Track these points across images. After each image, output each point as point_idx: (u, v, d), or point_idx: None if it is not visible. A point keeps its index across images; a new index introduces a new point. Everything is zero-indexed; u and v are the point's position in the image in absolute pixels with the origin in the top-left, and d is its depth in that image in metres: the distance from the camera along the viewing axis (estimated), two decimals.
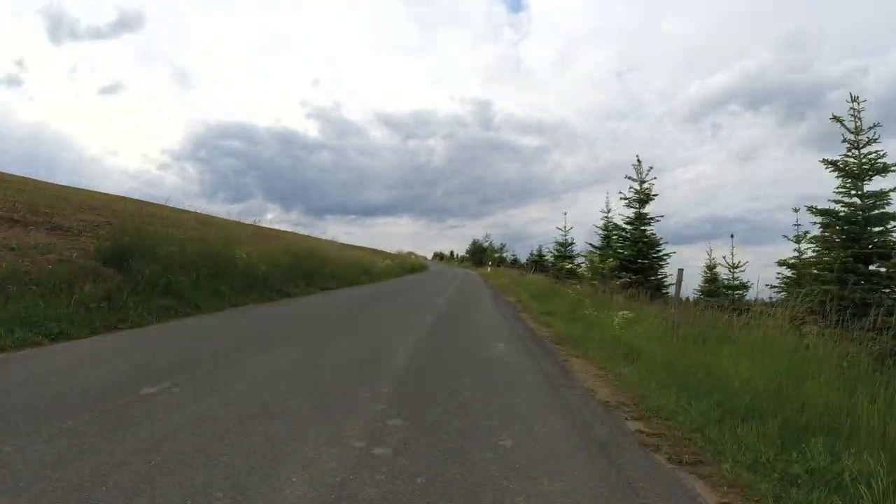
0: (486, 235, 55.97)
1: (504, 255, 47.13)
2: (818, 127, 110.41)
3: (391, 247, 47.23)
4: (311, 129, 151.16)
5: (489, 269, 38.99)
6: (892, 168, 7.62)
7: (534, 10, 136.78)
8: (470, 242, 59.67)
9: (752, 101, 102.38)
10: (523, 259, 37.91)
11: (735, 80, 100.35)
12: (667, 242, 14.31)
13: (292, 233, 23.78)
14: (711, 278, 13.12)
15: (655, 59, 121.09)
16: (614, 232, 16.95)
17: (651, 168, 14.61)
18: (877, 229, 7.68)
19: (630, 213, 15.05)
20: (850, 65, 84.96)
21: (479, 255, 50.45)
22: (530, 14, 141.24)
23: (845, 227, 7.83)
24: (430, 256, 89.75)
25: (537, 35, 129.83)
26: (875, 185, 7.76)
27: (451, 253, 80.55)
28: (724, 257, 12.06)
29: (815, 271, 8.03)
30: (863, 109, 8.00)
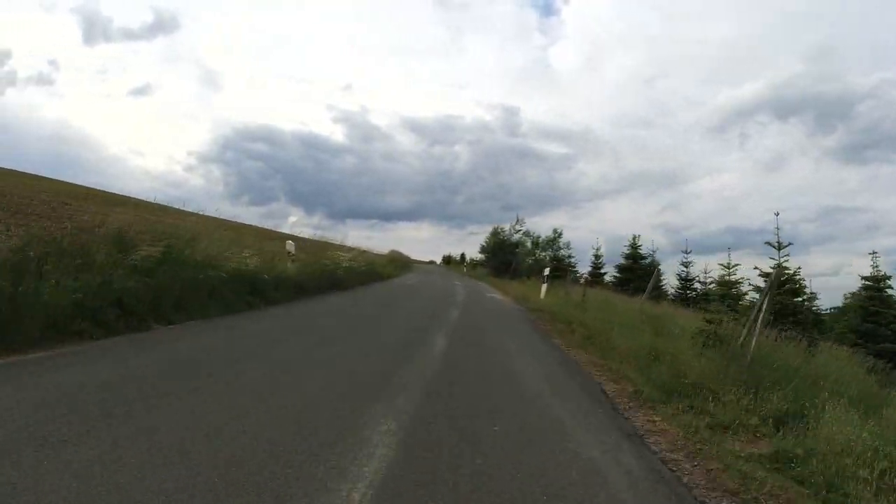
0: (517, 222, 35.57)
1: (566, 258, 30.84)
2: (846, 138, 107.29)
3: (412, 251, 44.43)
4: (336, 134, 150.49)
5: (544, 289, 17.67)
6: None
7: (564, 14, 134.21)
8: (488, 234, 39.00)
9: (781, 111, 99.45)
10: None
11: (764, 89, 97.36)
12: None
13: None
14: None
15: (684, 67, 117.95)
16: None
17: None
18: None
19: None
20: (879, 76, 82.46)
21: (506, 254, 34.67)
22: (561, 18, 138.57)
23: None
24: (438, 261, 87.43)
25: (567, 40, 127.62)
26: None
27: (462, 256, 76.41)
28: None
29: None
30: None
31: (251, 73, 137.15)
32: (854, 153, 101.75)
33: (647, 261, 25.89)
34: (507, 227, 36.13)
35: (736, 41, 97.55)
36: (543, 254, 27.83)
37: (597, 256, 29.41)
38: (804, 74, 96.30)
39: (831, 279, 61.44)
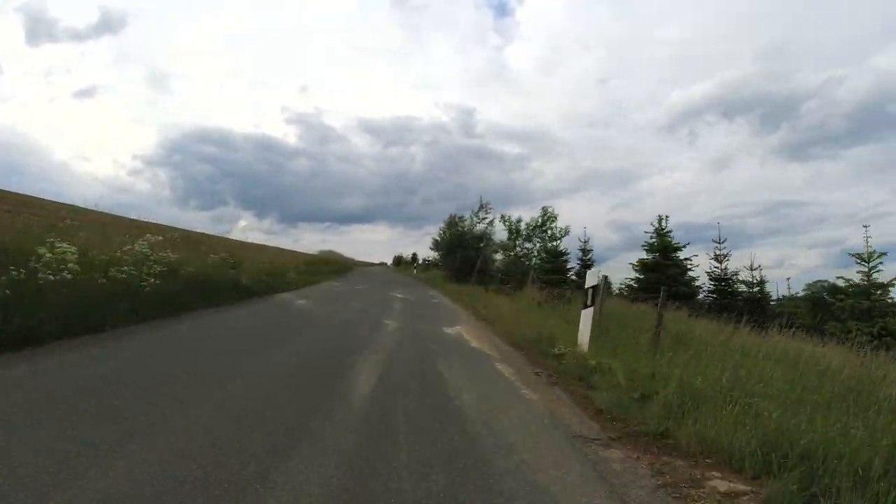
0: (482, 208, 27.18)
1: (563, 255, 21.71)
2: (789, 137, 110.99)
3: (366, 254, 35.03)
4: (290, 136, 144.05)
5: (586, 323, 7.17)
6: None
7: (519, 15, 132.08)
8: (442, 225, 29.34)
9: (728, 110, 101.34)
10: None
11: (714, 89, 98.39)
12: None
13: None
14: None
15: (639, 67, 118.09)
16: None
17: None
18: None
19: None
20: (827, 75, 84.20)
21: (467, 251, 26.02)
22: (516, 19, 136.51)
23: None
24: (389, 262, 79.30)
25: (522, 41, 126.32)
26: None
27: (414, 257, 68.00)
28: None
29: None
30: None
31: (202, 74, 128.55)
32: (798, 151, 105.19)
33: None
34: (467, 215, 27.52)
35: (689, 41, 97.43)
36: (528, 246, 18.77)
37: (584, 251, 21.15)
38: (754, 74, 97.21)
39: (775, 271, 63.89)
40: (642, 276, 17.33)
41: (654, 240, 19.20)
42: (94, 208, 12.99)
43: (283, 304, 10.64)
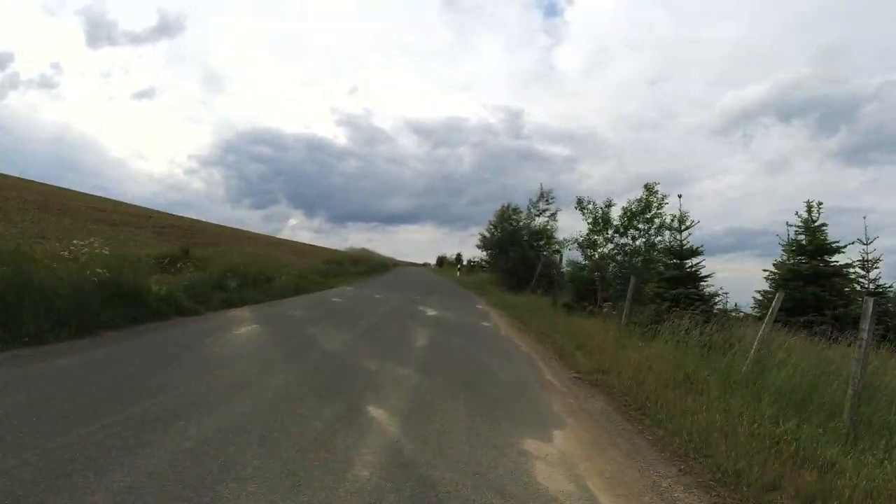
0: (543, 197, 21.25)
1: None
2: (848, 140, 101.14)
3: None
4: (340, 136, 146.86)
5: None
6: None
7: (568, 15, 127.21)
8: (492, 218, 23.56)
9: (784, 112, 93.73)
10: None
11: (770, 90, 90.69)
12: None
13: None
14: None
15: (690, 68, 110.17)
16: None
17: None
18: None
19: None
20: (884, 78, 75.34)
21: (524, 249, 20.56)
22: (565, 19, 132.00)
23: None
24: (433, 262, 74.60)
25: (571, 41, 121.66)
26: None
27: (458, 257, 62.67)
28: None
29: None
30: None
31: (255, 75, 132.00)
32: (857, 155, 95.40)
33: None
34: (522, 206, 21.83)
35: (742, 42, 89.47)
36: (622, 242, 11.53)
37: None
38: (809, 76, 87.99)
39: None
40: (791, 291, 10.96)
41: (801, 236, 12.92)
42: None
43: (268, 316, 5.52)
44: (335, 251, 34.26)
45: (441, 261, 64.00)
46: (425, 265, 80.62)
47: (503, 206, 22.04)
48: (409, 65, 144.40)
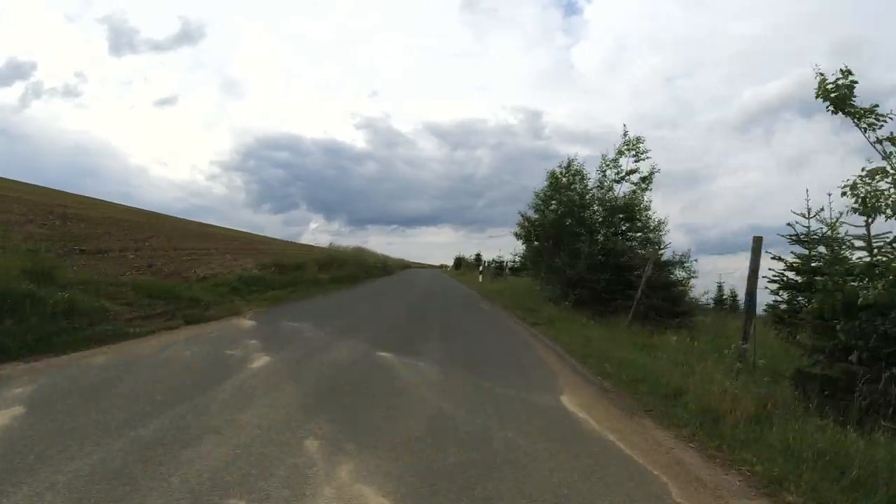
0: (628, 142, 12.05)
1: None
2: (871, 134, 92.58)
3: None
4: (359, 140, 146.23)
5: None
6: None
7: (588, 13, 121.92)
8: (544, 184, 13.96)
9: (806, 108, 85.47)
10: None
11: (792, 86, 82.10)
12: None
13: None
14: None
15: (709, 65, 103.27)
16: None
17: None
18: None
19: None
20: None
21: (584, 233, 12.18)
22: (584, 17, 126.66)
23: None
24: (450, 263, 66.47)
25: (590, 40, 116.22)
26: None
27: (478, 258, 53.73)
28: None
29: None
30: None
31: (276, 81, 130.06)
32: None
33: None
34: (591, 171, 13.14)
35: (763, 38, 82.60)
36: None
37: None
38: (833, 70, 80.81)
39: None
40: None
41: None
42: None
43: None
44: (313, 248, 25.97)
45: (459, 262, 55.31)
46: (441, 267, 72.82)
47: (561, 168, 13.16)
48: (428, 67, 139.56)
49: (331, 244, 24.62)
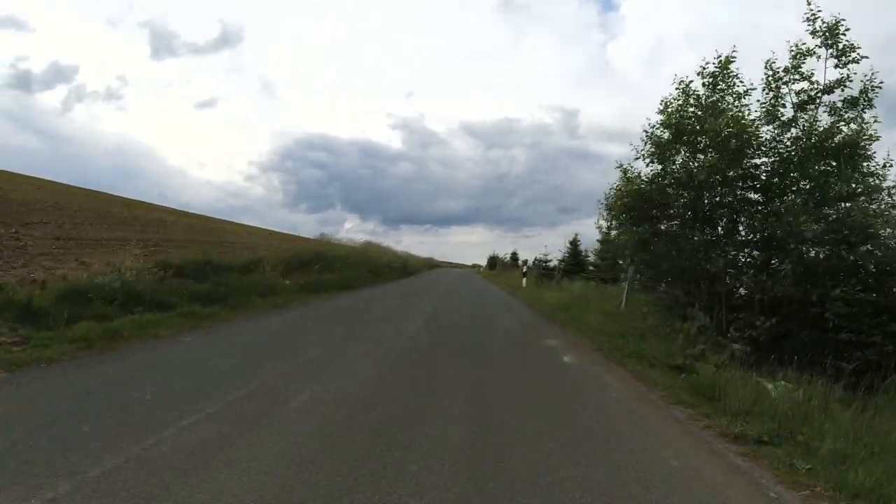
0: None
1: None
2: None
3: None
4: (394, 140, 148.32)
5: None
6: None
7: (624, 9, 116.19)
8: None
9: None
10: None
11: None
12: None
13: None
14: None
15: (751, 58, 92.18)
16: None
17: None
18: None
19: None
20: None
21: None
22: (620, 14, 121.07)
23: None
24: (484, 263, 60.12)
25: (627, 36, 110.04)
26: None
27: (514, 256, 47.11)
28: None
29: None
30: None
31: (313, 82, 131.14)
32: None
33: None
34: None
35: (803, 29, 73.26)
36: None
37: None
38: (877, 64, 70.01)
39: None
40: None
41: None
42: None
43: None
44: (310, 240, 20.36)
45: (494, 262, 48.86)
46: (474, 267, 66.70)
47: (705, 74, 6.67)
48: (464, 66, 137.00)
49: (321, 235, 18.94)
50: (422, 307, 10.64)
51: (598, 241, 12.25)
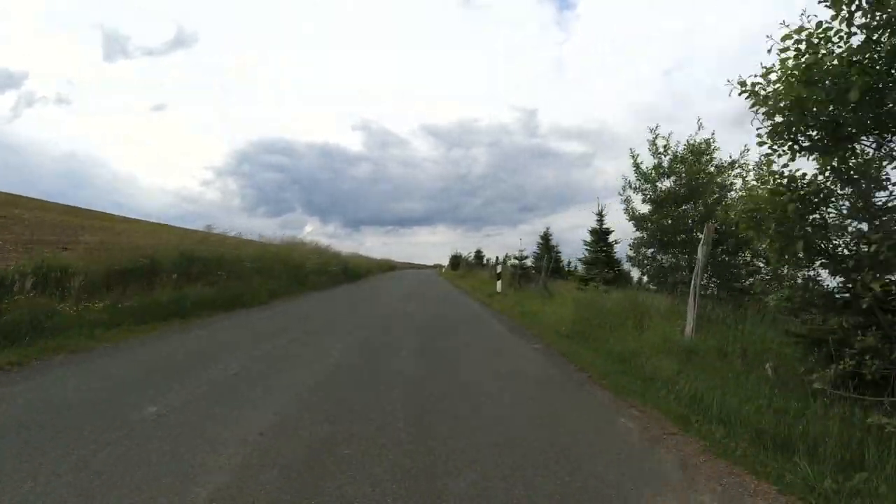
0: None
1: None
2: None
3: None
4: (353, 142, 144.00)
5: None
6: None
7: (581, 7, 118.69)
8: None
9: None
10: None
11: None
12: None
13: None
14: None
15: (706, 56, 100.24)
16: None
17: None
18: None
19: None
20: None
21: None
22: (576, 12, 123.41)
23: None
24: (446, 263, 55.28)
25: (583, 35, 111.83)
26: None
27: (478, 254, 42.19)
28: None
29: None
30: None
31: (270, 84, 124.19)
32: None
33: None
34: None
35: (760, 28, 78.00)
36: None
37: None
38: None
39: None
40: None
41: None
42: None
43: None
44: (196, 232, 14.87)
45: (457, 261, 44.11)
46: (436, 267, 61.96)
47: None
48: (424, 66, 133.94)
49: (208, 226, 13.49)
50: (328, 348, 5.61)
51: (634, 221, 7.57)
